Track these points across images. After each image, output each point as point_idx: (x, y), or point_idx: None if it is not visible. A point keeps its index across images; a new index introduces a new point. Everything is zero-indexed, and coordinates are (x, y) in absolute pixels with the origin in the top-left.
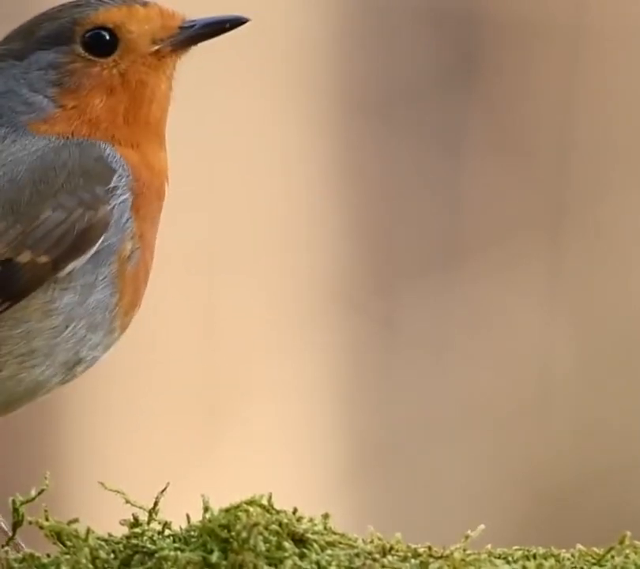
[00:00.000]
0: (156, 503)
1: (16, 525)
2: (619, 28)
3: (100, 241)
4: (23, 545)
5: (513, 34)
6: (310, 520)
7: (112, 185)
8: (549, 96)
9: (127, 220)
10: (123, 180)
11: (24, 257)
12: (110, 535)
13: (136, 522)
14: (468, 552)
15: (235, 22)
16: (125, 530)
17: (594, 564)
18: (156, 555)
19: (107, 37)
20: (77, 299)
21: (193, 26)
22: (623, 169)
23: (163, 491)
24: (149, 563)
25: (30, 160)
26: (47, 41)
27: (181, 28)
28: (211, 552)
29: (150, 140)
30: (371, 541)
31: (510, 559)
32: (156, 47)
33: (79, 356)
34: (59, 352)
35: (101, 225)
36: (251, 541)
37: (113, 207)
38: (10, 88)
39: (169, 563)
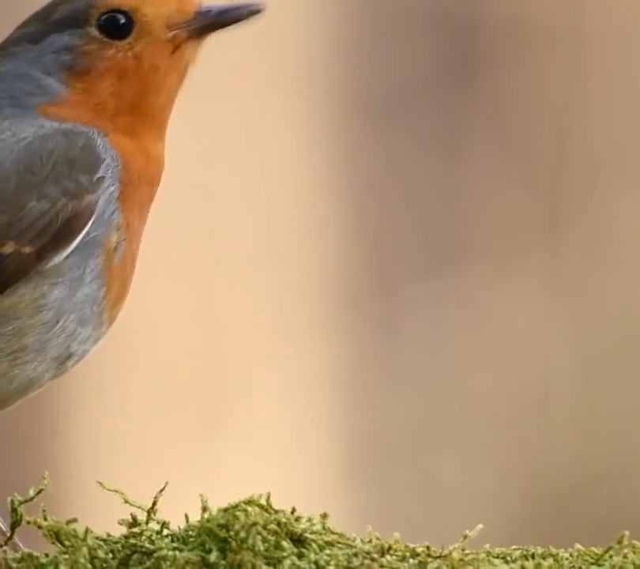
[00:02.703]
0: (154, 503)
1: (14, 525)
2: (619, 31)
3: (85, 232)
4: (21, 545)
5: (513, 37)
6: (309, 520)
7: (99, 175)
8: (548, 99)
9: (113, 211)
10: (111, 170)
11: (8, 248)
12: (108, 535)
13: (134, 522)
14: (466, 551)
15: (253, 11)
16: (123, 530)
17: (593, 564)
18: (155, 554)
19: (123, 20)
20: (65, 293)
21: (209, 12)
22: (621, 172)
23: (161, 490)
24: (148, 563)
25: (17, 149)
26: (62, 24)
27: (197, 13)
28: (209, 551)
29: (151, 130)
30: (370, 541)
31: (508, 558)
32: (172, 33)
33: (70, 351)
34: (51, 347)
35: (85, 215)
36: (250, 541)
37: (98, 197)
38: (25, 72)
39: (167, 563)
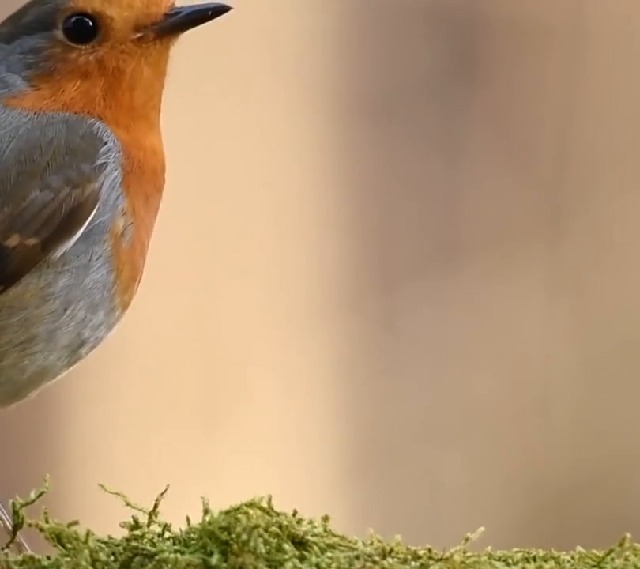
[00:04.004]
0: (155, 506)
1: (16, 527)
2: (620, 31)
3: (89, 220)
4: (26, 546)
5: (513, 37)
6: (310, 522)
7: (101, 161)
8: (548, 99)
9: (117, 196)
10: (113, 156)
11: (13, 240)
12: (110, 537)
13: (136, 525)
14: (468, 554)
15: (217, 10)
16: (125, 532)
17: (594, 566)
18: (156, 557)
19: (90, 23)
20: (73, 281)
21: (178, 13)
22: (621, 172)
23: (163, 493)
24: (149, 566)
25: (15, 138)
26: (32, 26)
27: (166, 15)
28: (211, 554)
29: (137, 123)
30: (371, 543)
31: (509, 561)
32: (139, 34)
33: (82, 338)
34: (60, 335)
35: (89, 204)
36: (251, 543)
37: (101, 184)
38: None
39: (169, 566)
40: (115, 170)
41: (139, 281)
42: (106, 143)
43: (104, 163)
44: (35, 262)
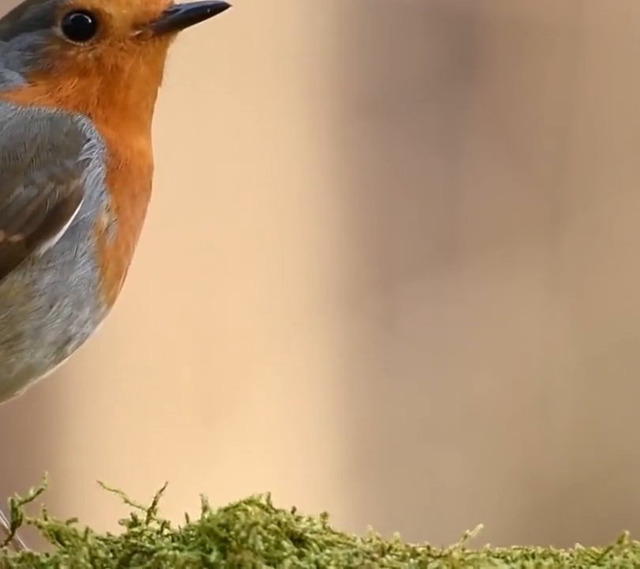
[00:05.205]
0: (154, 503)
1: (14, 524)
2: (620, 30)
3: (74, 216)
4: (23, 544)
5: (513, 36)
6: (309, 519)
7: (84, 157)
8: (548, 98)
9: (101, 192)
10: (96, 152)
11: None
12: (108, 534)
13: (134, 522)
14: (466, 551)
15: (216, 7)
16: (123, 530)
17: (593, 563)
18: (155, 554)
19: (89, 21)
20: (58, 277)
21: (176, 11)
22: (621, 171)
23: (161, 490)
24: (148, 563)
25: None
26: (31, 23)
27: (165, 12)
28: (210, 551)
29: (128, 123)
30: (370, 541)
31: (508, 558)
32: (138, 32)
33: (68, 335)
34: (47, 332)
35: (74, 200)
36: (250, 541)
37: (85, 180)
38: None
39: (168, 563)
40: (98, 166)
41: (123, 280)
42: (89, 139)
43: (87, 159)
44: (20, 259)
